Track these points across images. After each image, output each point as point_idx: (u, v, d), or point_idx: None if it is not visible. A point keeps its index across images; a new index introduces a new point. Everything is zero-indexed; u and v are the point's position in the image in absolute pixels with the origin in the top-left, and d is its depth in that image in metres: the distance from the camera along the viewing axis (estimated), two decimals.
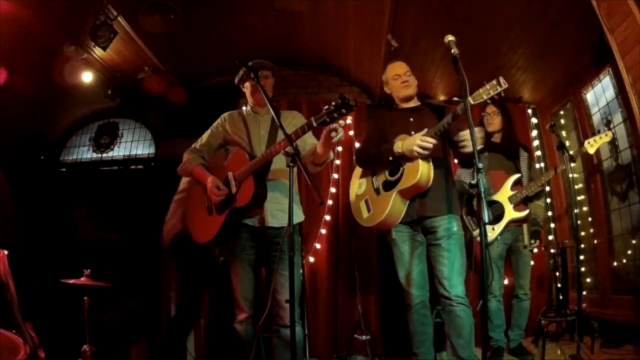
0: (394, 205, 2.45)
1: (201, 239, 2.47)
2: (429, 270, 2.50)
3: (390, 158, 2.50)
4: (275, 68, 2.65)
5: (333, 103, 1.94)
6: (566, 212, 4.14)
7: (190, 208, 2.60)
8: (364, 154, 2.75)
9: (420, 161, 2.36)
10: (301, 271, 3.17)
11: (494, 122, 3.37)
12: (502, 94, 2.06)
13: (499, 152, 3.35)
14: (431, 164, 2.39)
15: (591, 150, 3.22)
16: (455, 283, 2.31)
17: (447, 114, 2.37)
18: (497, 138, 3.40)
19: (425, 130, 2.41)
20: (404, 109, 2.68)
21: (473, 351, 2.31)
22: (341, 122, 2.02)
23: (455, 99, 2.29)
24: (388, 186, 2.51)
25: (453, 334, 2.31)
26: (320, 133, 2.14)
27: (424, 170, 2.36)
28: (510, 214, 3.17)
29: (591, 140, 3.22)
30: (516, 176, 3.26)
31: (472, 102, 2.10)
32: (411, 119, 2.60)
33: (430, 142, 2.32)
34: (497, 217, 3.16)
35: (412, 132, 2.51)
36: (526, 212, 3.20)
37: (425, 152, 2.35)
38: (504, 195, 3.22)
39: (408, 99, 2.66)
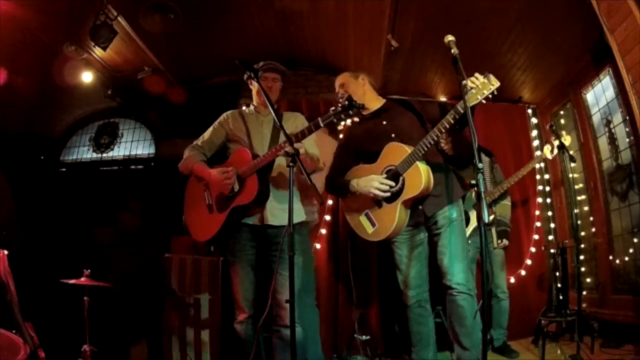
0: (400, 217, 2.35)
1: (200, 238, 2.47)
2: (432, 263, 2.44)
3: (349, 194, 2.49)
4: (287, 72, 2.66)
5: (340, 104, 1.95)
6: (566, 212, 4.15)
7: (189, 206, 2.59)
8: (328, 185, 2.68)
9: (419, 167, 2.26)
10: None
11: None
12: (495, 92, 1.99)
13: (453, 164, 3.13)
14: (428, 166, 2.30)
15: (550, 156, 3.25)
16: (455, 271, 2.25)
17: (417, 107, 2.41)
18: (449, 150, 3.30)
19: (386, 168, 2.35)
20: (370, 116, 2.56)
21: (476, 339, 2.22)
22: None
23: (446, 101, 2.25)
24: (390, 197, 2.37)
25: (456, 324, 2.26)
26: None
27: (425, 176, 2.26)
28: (475, 221, 3.19)
29: (549, 146, 3.25)
30: None
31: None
32: (384, 122, 2.50)
33: (386, 188, 2.30)
34: None
35: (393, 135, 2.42)
36: (491, 217, 3.25)
37: (385, 195, 2.32)
38: (468, 204, 3.22)
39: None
